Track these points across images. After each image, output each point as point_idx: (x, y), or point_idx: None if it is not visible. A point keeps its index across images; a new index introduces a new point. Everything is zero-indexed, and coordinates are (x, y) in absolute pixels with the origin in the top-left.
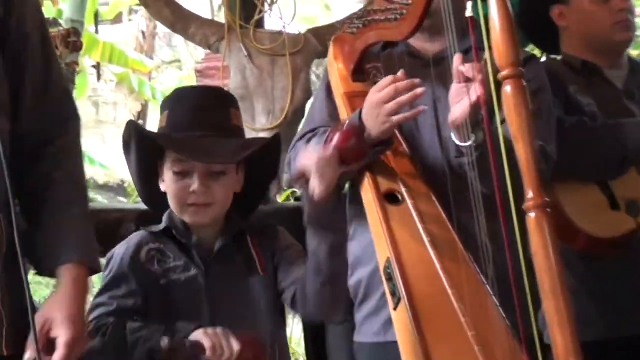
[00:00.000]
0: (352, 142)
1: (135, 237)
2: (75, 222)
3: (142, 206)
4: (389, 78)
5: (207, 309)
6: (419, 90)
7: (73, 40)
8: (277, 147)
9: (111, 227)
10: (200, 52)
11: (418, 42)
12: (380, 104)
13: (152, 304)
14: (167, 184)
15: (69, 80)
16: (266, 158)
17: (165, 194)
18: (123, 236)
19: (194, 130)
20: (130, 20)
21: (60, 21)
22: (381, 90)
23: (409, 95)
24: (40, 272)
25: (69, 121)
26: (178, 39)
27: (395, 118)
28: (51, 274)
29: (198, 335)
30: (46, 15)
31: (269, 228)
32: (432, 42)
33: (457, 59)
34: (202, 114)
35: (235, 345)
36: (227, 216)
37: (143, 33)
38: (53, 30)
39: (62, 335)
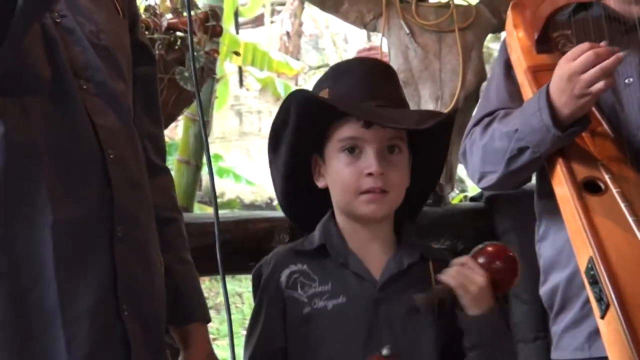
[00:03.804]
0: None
1: (276, 257)
2: (193, 273)
3: None
4: (585, 44)
5: (358, 346)
6: (621, 54)
7: (212, 24)
8: (449, 130)
9: (259, 240)
10: (350, 55)
11: (618, 4)
12: (575, 74)
13: (293, 338)
14: (335, 170)
15: (209, 70)
16: (435, 145)
17: (314, 205)
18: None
19: (367, 101)
20: (272, 22)
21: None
22: (575, 58)
23: (613, 59)
24: None
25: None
26: (325, 41)
27: (595, 87)
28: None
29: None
30: None
31: (446, 254)
32: (636, 2)
33: None
34: (373, 83)
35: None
36: (396, 230)
37: (288, 33)
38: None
39: None
